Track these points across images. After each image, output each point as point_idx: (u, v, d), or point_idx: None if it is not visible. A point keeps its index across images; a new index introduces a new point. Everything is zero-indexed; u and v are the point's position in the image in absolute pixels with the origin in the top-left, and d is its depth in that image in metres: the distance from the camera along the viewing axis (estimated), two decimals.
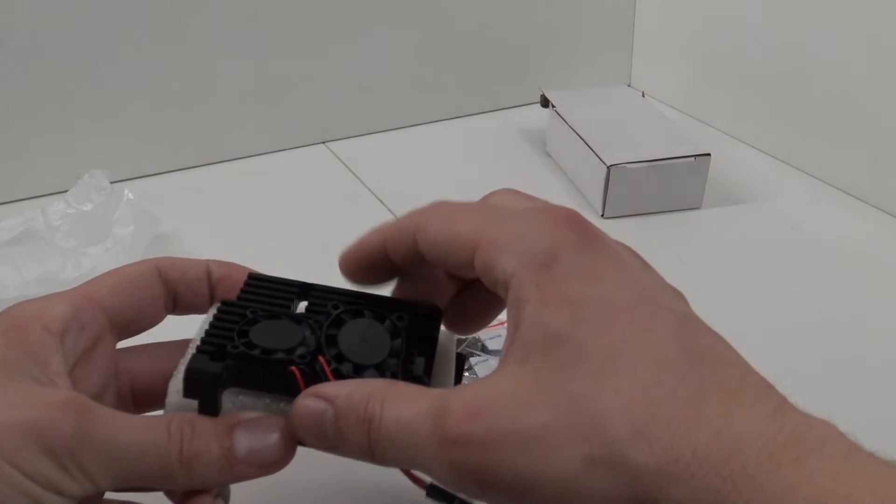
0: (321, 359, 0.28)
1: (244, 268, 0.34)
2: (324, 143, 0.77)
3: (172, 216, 0.61)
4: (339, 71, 0.75)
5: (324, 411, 0.27)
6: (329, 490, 0.40)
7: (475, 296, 0.33)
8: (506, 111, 0.84)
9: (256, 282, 0.32)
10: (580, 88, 0.79)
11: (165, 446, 0.27)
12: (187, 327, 0.32)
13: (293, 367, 0.28)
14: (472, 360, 0.47)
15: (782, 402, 0.25)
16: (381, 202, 0.67)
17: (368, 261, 0.33)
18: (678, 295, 0.28)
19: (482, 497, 0.25)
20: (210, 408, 0.29)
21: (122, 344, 0.33)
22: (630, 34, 0.87)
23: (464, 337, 0.49)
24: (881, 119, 0.64)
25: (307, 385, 0.28)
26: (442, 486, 0.26)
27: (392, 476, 0.41)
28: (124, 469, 0.27)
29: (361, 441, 0.27)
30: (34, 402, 0.26)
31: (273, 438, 0.28)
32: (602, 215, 0.64)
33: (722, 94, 0.79)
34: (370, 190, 0.69)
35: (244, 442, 0.28)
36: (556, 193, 0.69)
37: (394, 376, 0.28)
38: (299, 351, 0.29)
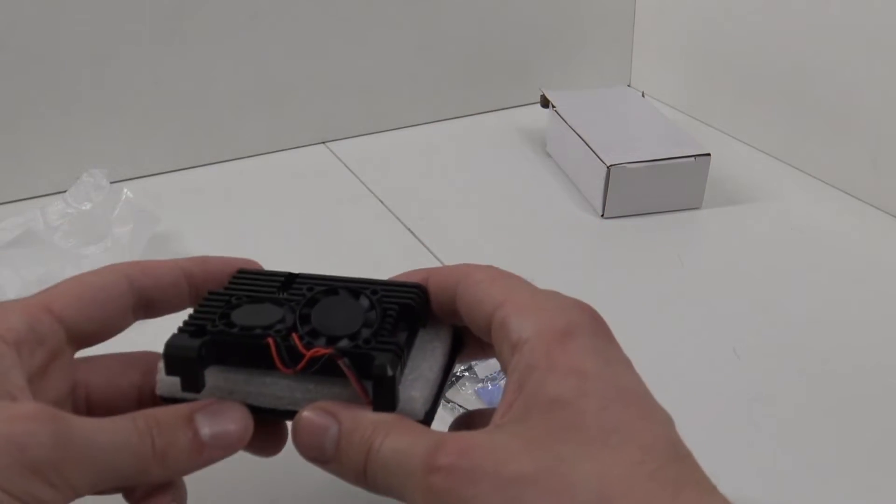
0: (294, 335, 0.30)
1: (218, 259, 0.34)
2: (324, 143, 0.77)
3: (171, 216, 0.61)
4: (339, 71, 0.75)
5: (328, 427, 0.29)
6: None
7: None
8: (506, 111, 0.84)
9: (243, 274, 0.34)
10: (580, 89, 0.79)
11: (138, 442, 0.27)
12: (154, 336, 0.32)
13: (269, 339, 0.29)
14: (472, 361, 0.47)
15: None
16: (381, 202, 0.67)
17: None
18: None
19: None
20: (192, 384, 0.30)
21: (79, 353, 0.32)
22: (630, 34, 0.87)
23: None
24: (881, 119, 0.64)
25: (281, 359, 0.29)
26: None
27: None
28: (104, 472, 0.27)
29: (357, 462, 0.28)
30: (6, 418, 0.26)
31: (231, 419, 0.29)
32: (602, 215, 0.64)
33: (722, 94, 0.79)
34: (370, 190, 0.69)
35: (206, 426, 0.29)
36: (556, 193, 0.69)
37: (367, 343, 0.29)
38: (277, 327, 0.30)
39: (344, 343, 0.29)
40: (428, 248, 0.61)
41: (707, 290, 0.57)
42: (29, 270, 0.51)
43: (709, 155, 0.64)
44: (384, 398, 0.29)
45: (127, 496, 0.31)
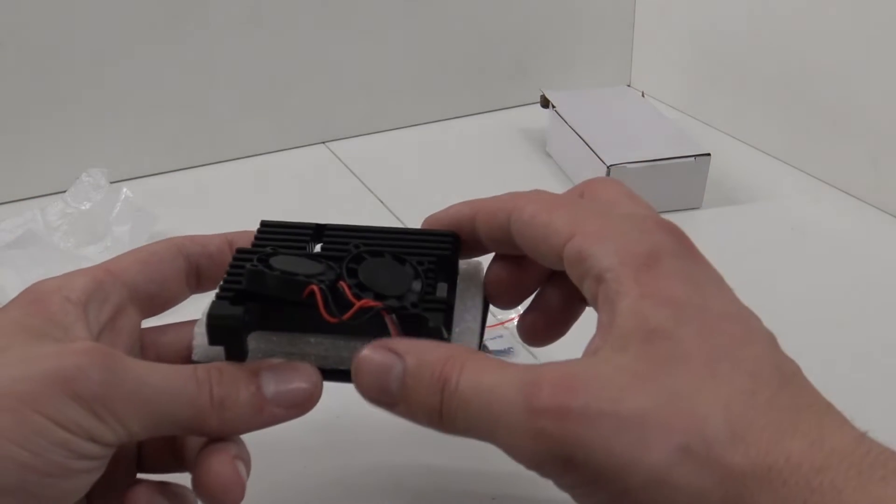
0: (343, 283, 0.28)
1: None
2: (324, 143, 0.77)
3: (171, 215, 0.61)
4: (339, 71, 0.75)
5: (391, 365, 0.27)
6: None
7: (554, 299, 0.33)
8: (506, 111, 0.84)
9: (269, 227, 0.33)
10: (580, 89, 0.79)
11: (195, 389, 0.27)
12: None
13: (314, 286, 0.27)
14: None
15: (865, 431, 0.25)
16: (381, 202, 0.67)
17: (453, 228, 0.33)
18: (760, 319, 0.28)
19: (562, 478, 0.25)
20: (237, 352, 0.29)
21: (149, 322, 0.33)
22: (630, 34, 0.87)
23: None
24: (881, 119, 0.64)
25: (328, 309, 0.27)
26: (516, 459, 0.25)
27: (390, 473, 0.41)
28: (156, 413, 0.27)
29: (432, 401, 0.26)
30: (58, 352, 0.26)
31: (298, 378, 0.29)
32: None
33: (722, 94, 0.79)
34: (370, 190, 0.69)
35: (271, 384, 0.28)
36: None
37: (414, 306, 0.28)
38: (320, 277, 0.28)
39: (392, 302, 0.28)
40: None
41: None
42: (30, 271, 0.51)
43: (709, 155, 0.64)
44: None
45: (185, 456, 0.32)
